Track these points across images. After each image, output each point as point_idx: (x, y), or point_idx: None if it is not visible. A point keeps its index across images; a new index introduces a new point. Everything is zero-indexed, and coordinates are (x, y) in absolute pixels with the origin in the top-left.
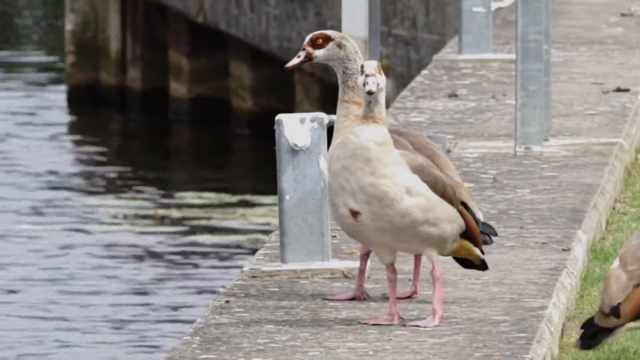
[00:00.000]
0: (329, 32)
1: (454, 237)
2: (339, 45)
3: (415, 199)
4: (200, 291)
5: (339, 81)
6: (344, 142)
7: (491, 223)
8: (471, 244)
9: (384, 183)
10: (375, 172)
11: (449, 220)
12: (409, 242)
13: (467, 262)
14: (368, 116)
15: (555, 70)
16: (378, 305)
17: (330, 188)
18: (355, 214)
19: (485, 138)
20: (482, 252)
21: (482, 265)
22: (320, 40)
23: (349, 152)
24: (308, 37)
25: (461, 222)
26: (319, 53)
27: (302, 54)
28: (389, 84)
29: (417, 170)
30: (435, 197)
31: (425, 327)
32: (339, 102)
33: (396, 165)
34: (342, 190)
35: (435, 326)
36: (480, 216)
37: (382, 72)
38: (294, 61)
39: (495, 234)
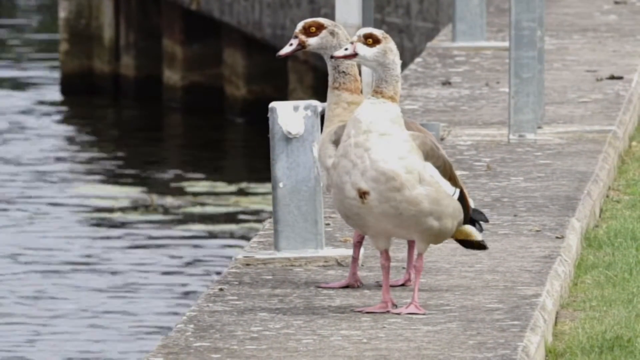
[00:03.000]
0: (321, 20)
1: (451, 233)
2: (332, 33)
3: (426, 189)
4: (194, 279)
5: (329, 68)
6: (357, 119)
7: (484, 210)
8: (469, 229)
9: (397, 164)
10: (390, 148)
11: (452, 216)
12: (407, 229)
13: (468, 243)
14: (377, 91)
15: (549, 57)
16: (372, 293)
17: (337, 168)
18: (363, 194)
19: (478, 126)
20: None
21: (481, 246)
22: (314, 28)
23: (364, 127)
24: (300, 25)
25: (461, 217)
26: (312, 41)
27: (294, 42)
28: None
29: (428, 156)
30: (443, 190)
31: (400, 313)
32: (329, 89)
33: (409, 145)
34: (353, 168)
35: (410, 313)
36: (470, 203)
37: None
38: (287, 49)
39: (486, 221)
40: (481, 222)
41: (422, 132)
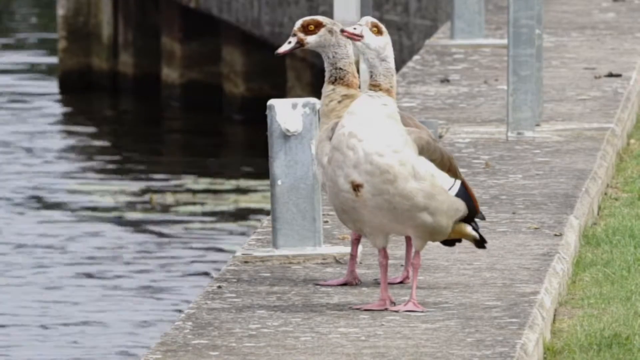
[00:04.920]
0: (319, 18)
1: (446, 233)
2: (330, 32)
3: (420, 183)
4: (193, 276)
5: (327, 64)
6: (352, 112)
7: (482, 208)
8: (464, 226)
9: (391, 157)
10: (384, 141)
11: (447, 215)
12: (402, 224)
13: (448, 241)
14: (374, 84)
15: (547, 55)
16: (370, 291)
17: (331, 162)
18: (357, 187)
19: (477, 123)
20: (479, 223)
21: (480, 243)
22: (312, 27)
23: (358, 119)
24: (299, 23)
25: (457, 217)
26: (310, 39)
27: (293, 40)
28: None
29: (424, 150)
30: (439, 185)
31: (398, 310)
32: (325, 84)
33: (404, 139)
34: (345, 160)
35: (409, 311)
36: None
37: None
38: (285, 47)
39: (483, 219)
40: (477, 220)
41: (419, 127)
